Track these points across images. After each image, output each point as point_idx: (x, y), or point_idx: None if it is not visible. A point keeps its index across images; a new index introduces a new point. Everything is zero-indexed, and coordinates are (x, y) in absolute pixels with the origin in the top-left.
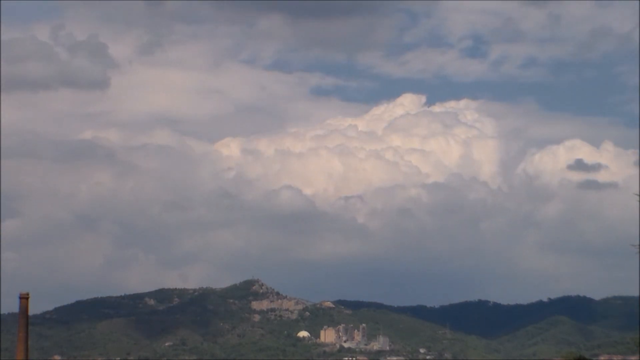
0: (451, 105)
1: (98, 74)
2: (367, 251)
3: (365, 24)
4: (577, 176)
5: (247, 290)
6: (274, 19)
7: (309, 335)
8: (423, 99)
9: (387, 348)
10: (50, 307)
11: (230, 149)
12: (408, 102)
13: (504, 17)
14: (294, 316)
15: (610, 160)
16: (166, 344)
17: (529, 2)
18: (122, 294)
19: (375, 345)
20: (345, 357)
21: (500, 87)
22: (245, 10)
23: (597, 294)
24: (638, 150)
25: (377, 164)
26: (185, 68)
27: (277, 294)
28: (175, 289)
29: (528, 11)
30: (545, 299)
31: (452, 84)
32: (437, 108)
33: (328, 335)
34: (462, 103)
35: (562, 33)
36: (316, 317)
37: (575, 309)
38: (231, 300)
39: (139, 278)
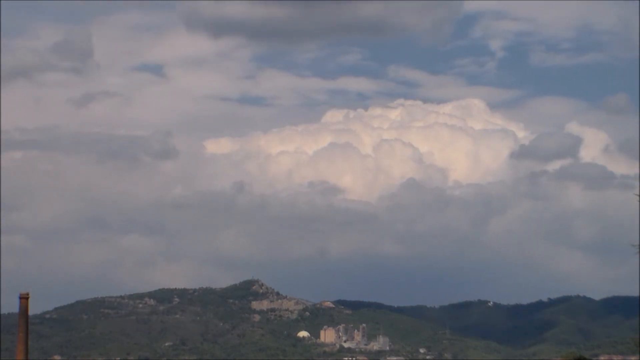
0: (462, 104)
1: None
2: (368, 251)
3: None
4: (577, 175)
5: (247, 290)
6: None
7: (309, 335)
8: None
9: (387, 348)
10: (50, 307)
11: (227, 148)
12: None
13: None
14: (294, 316)
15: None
16: (166, 344)
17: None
18: (122, 294)
19: (375, 345)
20: (345, 357)
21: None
22: None
23: (597, 294)
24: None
25: (383, 162)
26: None
27: (277, 294)
28: (175, 289)
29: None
30: (545, 299)
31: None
32: (449, 107)
33: (328, 335)
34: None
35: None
36: (316, 317)
37: (575, 309)
38: (231, 300)
39: (139, 278)
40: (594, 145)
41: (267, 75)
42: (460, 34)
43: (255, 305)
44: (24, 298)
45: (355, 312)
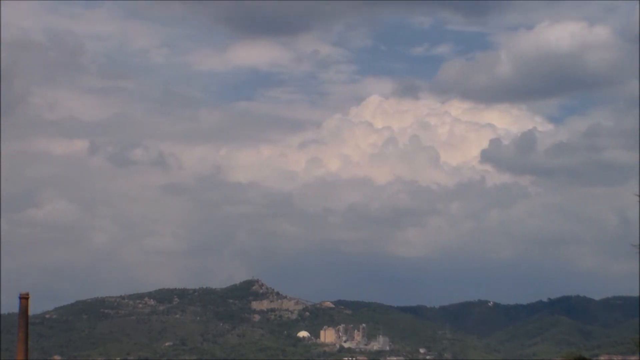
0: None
1: None
2: (368, 251)
3: None
4: (578, 175)
5: (247, 290)
6: None
7: (309, 335)
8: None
9: (387, 348)
10: (50, 307)
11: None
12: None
13: None
14: (294, 316)
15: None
16: (166, 344)
17: None
18: (122, 294)
19: (375, 345)
20: (345, 357)
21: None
22: None
23: (597, 294)
24: None
25: (386, 161)
26: None
27: (277, 294)
28: (175, 289)
29: None
30: (545, 299)
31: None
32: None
33: (328, 335)
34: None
35: None
36: (316, 317)
37: (575, 309)
38: (231, 300)
39: (139, 278)
40: (595, 143)
41: None
42: None
43: (255, 305)
44: (24, 298)
45: (355, 312)
